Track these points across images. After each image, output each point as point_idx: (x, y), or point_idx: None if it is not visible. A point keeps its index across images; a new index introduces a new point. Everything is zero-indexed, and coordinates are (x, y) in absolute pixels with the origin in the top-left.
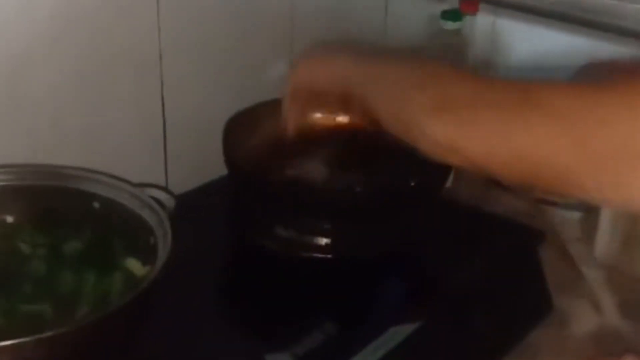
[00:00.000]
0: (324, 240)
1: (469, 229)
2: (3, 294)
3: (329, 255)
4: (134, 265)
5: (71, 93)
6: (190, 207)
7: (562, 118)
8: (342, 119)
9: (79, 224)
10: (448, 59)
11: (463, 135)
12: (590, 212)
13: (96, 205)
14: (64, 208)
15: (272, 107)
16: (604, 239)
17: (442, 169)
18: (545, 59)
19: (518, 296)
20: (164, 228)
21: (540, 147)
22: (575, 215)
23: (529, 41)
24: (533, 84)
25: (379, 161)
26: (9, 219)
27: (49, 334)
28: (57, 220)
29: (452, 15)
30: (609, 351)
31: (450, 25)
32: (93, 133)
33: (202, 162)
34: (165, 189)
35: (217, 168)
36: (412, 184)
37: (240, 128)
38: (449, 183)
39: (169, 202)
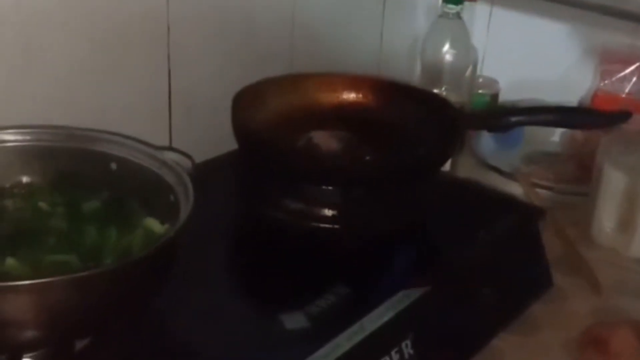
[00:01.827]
0: (332, 212)
1: (473, 204)
2: (27, 247)
3: (337, 226)
4: (153, 224)
5: (83, 59)
6: (197, 182)
7: None
8: (347, 95)
9: (96, 184)
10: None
11: None
12: (585, 196)
13: (113, 166)
14: (81, 169)
15: (279, 82)
16: (600, 222)
17: (449, 140)
18: (541, 49)
19: (519, 270)
20: (184, 184)
21: None
22: (573, 199)
23: (524, 31)
24: None
25: (387, 134)
26: (26, 179)
27: (84, 273)
28: (74, 181)
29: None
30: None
31: (451, 7)
32: (100, 101)
33: (206, 137)
34: (183, 152)
35: (222, 144)
36: (421, 152)
37: (248, 102)
38: (446, 167)
39: (186, 163)
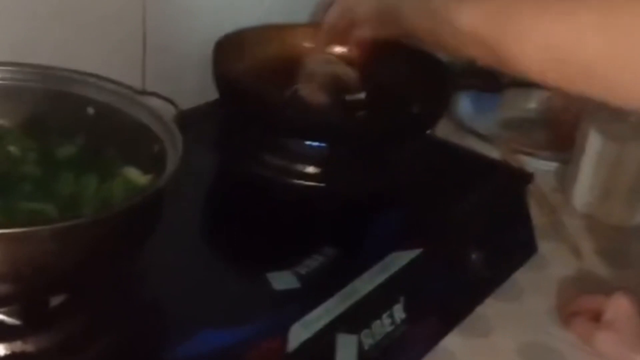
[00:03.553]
0: (317, 169)
1: (460, 167)
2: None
3: (322, 185)
4: (133, 174)
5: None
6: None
7: (601, 9)
8: (337, 49)
9: (71, 130)
10: None
11: (492, 23)
12: (566, 163)
13: (90, 110)
14: (55, 113)
15: (260, 32)
16: (582, 189)
17: (441, 99)
18: None
19: (506, 235)
20: (172, 133)
21: (572, 37)
22: (552, 166)
23: None
24: None
25: (376, 90)
26: None
27: (63, 223)
28: (47, 126)
29: None
30: (588, 293)
31: None
32: (71, 45)
33: (183, 86)
34: (166, 98)
35: (198, 94)
36: (414, 112)
37: (229, 51)
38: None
39: (169, 110)
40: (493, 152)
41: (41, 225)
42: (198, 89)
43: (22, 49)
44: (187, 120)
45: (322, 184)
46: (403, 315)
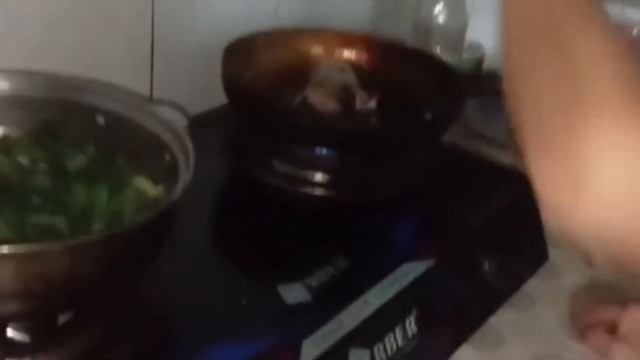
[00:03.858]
0: (327, 177)
1: (472, 173)
2: (9, 206)
3: (333, 193)
4: (145, 184)
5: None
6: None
7: None
8: (342, 54)
9: (81, 139)
10: None
11: None
12: None
13: (100, 119)
14: (64, 122)
15: (271, 37)
16: None
17: (454, 106)
18: None
19: (518, 243)
20: (183, 143)
21: None
22: None
23: None
24: None
25: (386, 96)
26: (3, 131)
27: (75, 240)
28: (56, 136)
29: None
30: (601, 302)
31: None
32: (81, 48)
33: (191, 91)
34: (177, 106)
35: (206, 99)
36: (427, 118)
37: (239, 55)
38: None
39: (180, 119)
40: (503, 157)
41: (52, 242)
42: (207, 92)
43: (36, 53)
44: (196, 124)
45: (332, 192)
46: (416, 328)
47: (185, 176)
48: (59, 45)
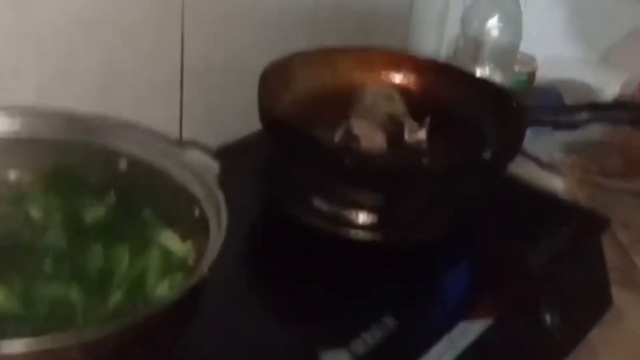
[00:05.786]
0: (371, 219)
1: (527, 211)
2: (17, 271)
3: (378, 237)
4: (171, 241)
5: (83, 32)
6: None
7: None
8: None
9: (100, 187)
10: None
11: None
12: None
13: (123, 165)
14: (81, 167)
15: (309, 58)
16: None
17: (515, 139)
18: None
19: (581, 290)
20: (215, 199)
21: None
22: (617, 197)
23: (564, 2)
24: None
25: (437, 126)
26: (14, 176)
27: (90, 337)
28: (73, 182)
29: None
30: None
31: None
32: (103, 79)
33: (221, 120)
34: (209, 151)
35: (237, 126)
36: (487, 157)
37: (276, 81)
38: None
39: (211, 167)
40: (555, 182)
41: (64, 336)
42: (240, 118)
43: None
44: (228, 153)
45: (377, 236)
46: None
47: (216, 238)
48: (80, 75)
